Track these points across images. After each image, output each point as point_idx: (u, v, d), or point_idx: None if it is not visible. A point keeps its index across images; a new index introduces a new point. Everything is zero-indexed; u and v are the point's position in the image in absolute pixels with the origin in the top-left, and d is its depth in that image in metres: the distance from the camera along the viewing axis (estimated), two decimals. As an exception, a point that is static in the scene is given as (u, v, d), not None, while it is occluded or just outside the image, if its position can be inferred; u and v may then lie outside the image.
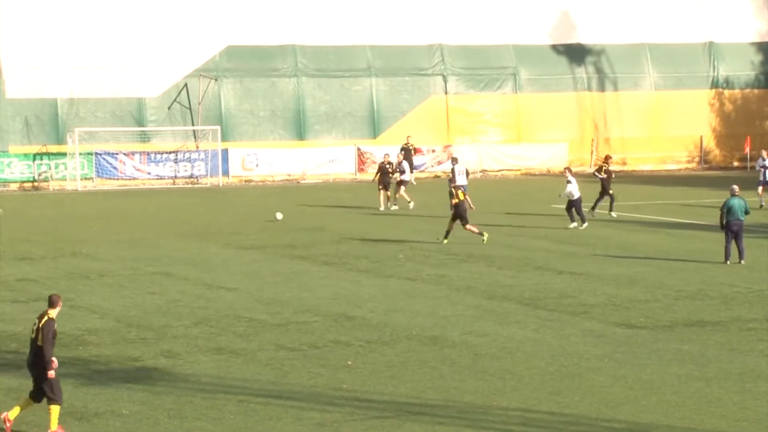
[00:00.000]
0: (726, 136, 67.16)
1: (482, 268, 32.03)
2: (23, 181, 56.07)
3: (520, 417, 18.19)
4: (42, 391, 17.15)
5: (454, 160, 45.27)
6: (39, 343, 17.07)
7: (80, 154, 56.09)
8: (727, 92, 67.50)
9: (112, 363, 21.62)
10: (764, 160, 47.74)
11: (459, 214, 36.07)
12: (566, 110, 64.49)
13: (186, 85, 59.26)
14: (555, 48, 65.26)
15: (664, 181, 59.54)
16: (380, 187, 46.66)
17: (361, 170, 59.73)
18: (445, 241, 35.97)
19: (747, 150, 64.79)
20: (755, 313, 26.05)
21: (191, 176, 58.28)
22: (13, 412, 17.24)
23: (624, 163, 65.38)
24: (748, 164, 64.33)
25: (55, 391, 17.09)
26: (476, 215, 43.32)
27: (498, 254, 34.45)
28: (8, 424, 17.15)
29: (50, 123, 57.29)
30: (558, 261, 33.25)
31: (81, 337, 23.66)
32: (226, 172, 58.43)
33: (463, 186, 43.35)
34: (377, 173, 47.56)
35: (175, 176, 58.09)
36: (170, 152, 58.17)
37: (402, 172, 47.42)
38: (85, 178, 56.44)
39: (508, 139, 63.92)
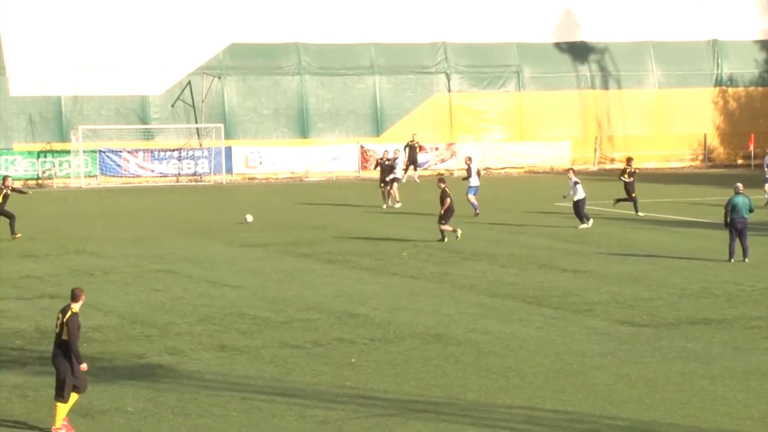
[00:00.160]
0: (730, 134, 67.10)
1: (485, 266, 32.03)
2: (27, 179, 56.04)
3: (524, 415, 18.20)
4: (63, 386, 17.16)
5: (469, 159, 44.90)
6: (64, 337, 17.08)
7: (84, 151, 56.15)
8: (731, 90, 67.44)
9: (116, 360, 21.65)
10: None
11: (447, 214, 35.97)
12: (569, 108, 64.46)
13: (189, 83, 59.27)
14: (558, 46, 65.23)
15: (667, 179, 59.50)
16: (381, 185, 46.65)
17: (364, 168, 59.72)
18: (460, 231, 36.10)
19: (751, 148, 64.74)
20: (759, 311, 26.04)
21: (195, 174, 58.30)
22: (58, 419, 17.18)
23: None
24: (753, 162, 64.29)
25: (77, 386, 17.07)
26: (481, 212, 43.31)
27: (501, 252, 34.45)
28: (65, 423, 17.15)
29: (54, 121, 57.32)
30: (561, 259, 33.25)
31: (85, 334, 23.60)
32: (229, 170, 58.44)
33: (476, 187, 43.18)
34: (375, 167, 47.58)
35: (179, 174, 58.10)
36: (174, 150, 58.20)
37: (393, 168, 47.34)
38: (89, 176, 56.47)
39: (512, 137, 63.89)
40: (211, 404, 18.65)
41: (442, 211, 36.20)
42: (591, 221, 39.72)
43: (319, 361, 21.47)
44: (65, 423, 17.23)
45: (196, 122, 59.25)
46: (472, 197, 42.97)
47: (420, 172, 58.38)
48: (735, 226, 32.54)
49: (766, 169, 48.04)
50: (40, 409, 18.42)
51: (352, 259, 33.34)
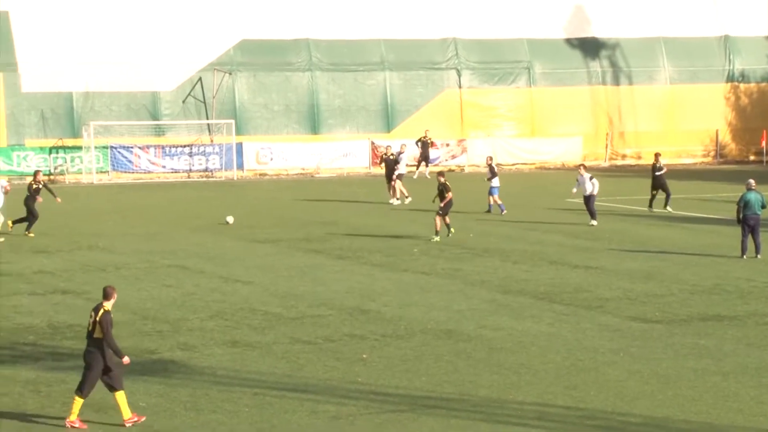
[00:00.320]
0: (742, 130, 66.96)
1: (497, 263, 32.01)
2: (39, 175, 56.17)
3: (536, 411, 18.19)
4: (114, 377, 17.21)
5: (490, 159, 44.51)
6: (96, 335, 17.15)
7: (96, 147, 56.23)
8: (742, 86, 67.30)
9: (128, 355, 21.62)
10: None
11: (446, 207, 35.87)
12: (581, 104, 64.39)
13: (200, 79, 59.32)
14: (569, 42, 65.16)
15: (679, 175, 59.33)
16: (389, 181, 46.64)
17: (375, 164, 59.69)
18: (453, 230, 35.94)
19: (763, 144, 64.63)
20: (771, 308, 25.99)
21: (206, 170, 58.35)
22: (125, 413, 17.28)
23: (639, 158, 65.27)
24: (765, 158, 64.16)
25: (87, 385, 17.13)
26: (493, 209, 43.27)
27: (513, 248, 34.43)
28: (133, 420, 17.18)
29: (66, 117, 57.42)
30: (573, 255, 33.22)
31: (97, 330, 23.69)
32: (240, 166, 58.49)
33: (496, 187, 42.77)
34: (380, 163, 47.57)
35: (190, 170, 58.16)
36: (185, 146, 58.25)
37: (397, 163, 47.31)
38: (101, 172, 56.56)
39: (523, 133, 63.84)
40: (223, 400, 18.67)
41: (442, 204, 36.03)
42: (594, 222, 39.27)
43: (330, 357, 21.49)
44: (78, 419, 17.26)
45: (207, 118, 59.31)
46: (496, 198, 42.53)
47: (431, 168, 58.32)
48: (747, 222, 32.48)
49: None
50: (53, 404, 18.47)
51: (363, 255, 33.34)
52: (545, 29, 64.47)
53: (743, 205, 32.46)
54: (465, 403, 18.60)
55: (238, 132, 58.76)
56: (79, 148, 56.63)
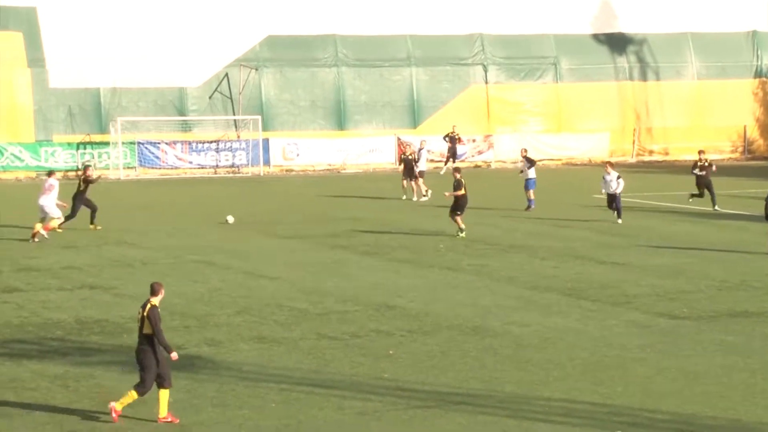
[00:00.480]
0: (770, 126, 66.68)
1: (524, 259, 31.96)
2: (67, 170, 56.37)
3: (563, 407, 18.15)
4: (162, 375, 17.29)
5: (525, 151, 44.20)
6: (145, 331, 17.21)
7: (123, 143, 56.43)
8: (771, 82, 66.99)
9: (155, 351, 21.70)
10: None
11: (461, 204, 35.62)
12: (607, 100, 64.19)
13: (227, 74, 59.43)
14: (596, 37, 64.96)
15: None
16: (404, 178, 46.58)
17: (397, 167, 59.67)
18: (463, 234, 35.40)
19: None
20: (800, 305, 25.86)
21: (232, 166, 58.47)
22: (162, 409, 17.31)
23: (666, 153, 65.06)
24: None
25: (146, 382, 17.23)
26: (517, 205, 43.22)
27: (539, 244, 34.36)
28: (169, 419, 17.26)
29: (93, 112, 57.63)
30: (600, 251, 33.13)
31: (125, 325, 23.81)
32: (267, 162, 58.57)
33: (533, 178, 42.40)
34: (400, 164, 47.55)
35: (217, 166, 58.29)
36: (211, 142, 58.39)
37: (417, 161, 47.25)
38: (128, 167, 56.75)
39: (549, 128, 63.70)
40: (250, 395, 18.70)
41: (448, 194, 35.42)
42: (620, 220, 38.89)
43: (356, 353, 21.50)
44: (116, 409, 17.27)
45: (234, 114, 59.43)
46: (531, 193, 42.13)
47: (457, 164, 58.21)
48: (775, 218, 32.30)
49: None
50: (81, 399, 18.55)
51: (389, 251, 33.34)
52: (572, 25, 64.29)
53: (771, 201, 32.28)
54: (491, 399, 18.58)
55: (265, 128, 58.85)
56: (107, 143, 56.83)
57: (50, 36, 57.37)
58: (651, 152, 65.11)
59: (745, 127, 66.17)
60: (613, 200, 39.16)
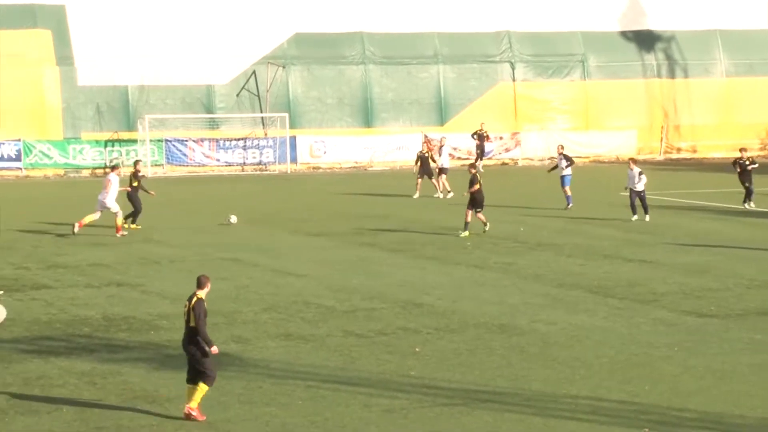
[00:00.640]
0: (799, 124, 66.33)
1: (550, 257, 31.90)
2: (95, 168, 56.71)
3: (590, 405, 18.10)
4: (197, 372, 17.32)
5: (561, 147, 43.72)
6: (191, 324, 17.24)
7: (150, 140, 56.63)
8: (800, 79, 66.64)
9: (182, 348, 21.75)
10: None
11: (478, 200, 35.41)
12: (635, 97, 64.00)
13: (254, 72, 59.57)
14: (624, 34, 64.76)
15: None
16: (419, 177, 46.50)
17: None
18: (466, 233, 35.08)
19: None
20: (829, 303, 25.70)
21: (260, 163, 58.60)
22: (193, 402, 17.33)
23: (694, 151, 64.79)
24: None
25: (208, 370, 17.23)
26: (544, 202, 43.15)
27: (566, 242, 34.28)
28: (193, 414, 17.28)
29: (121, 110, 57.87)
30: (627, 249, 33.02)
31: (152, 322, 23.89)
32: (294, 160, 58.67)
33: (568, 175, 41.98)
34: (417, 162, 47.53)
35: (244, 163, 58.43)
36: (239, 139, 58.54)
37: (432, 160, 47.18)
38: (156, 165, 56.94)
39: (577, 126, 63.55)
40: (277, 392, 18.73)
41: (468, 192, 35.17)
42: (636, 217, 38.59)
43: (383, 350, 21.50)
44: (197, 409, 17.31)
45: (261, 112, 59.55)
46: (567, 189, 41.78)
47: (484, 161, 58.21)
48: (804, 216, 32.10)
49: None
50: (108, 396, 18.62)
51: (416, 248, 33.34)
52: (600, 22, 64.11)
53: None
54: (518, 397, 18.55)
55: (292, 125, 58.94)
56: (134, 141, 57.05)
57: (79, 34, 57.63)
58: (679, 150, 64.86)
59: (773, 124, 65.86)
60: (635, 197, 38.62)
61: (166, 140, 57.13)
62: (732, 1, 66.07)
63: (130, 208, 37.23)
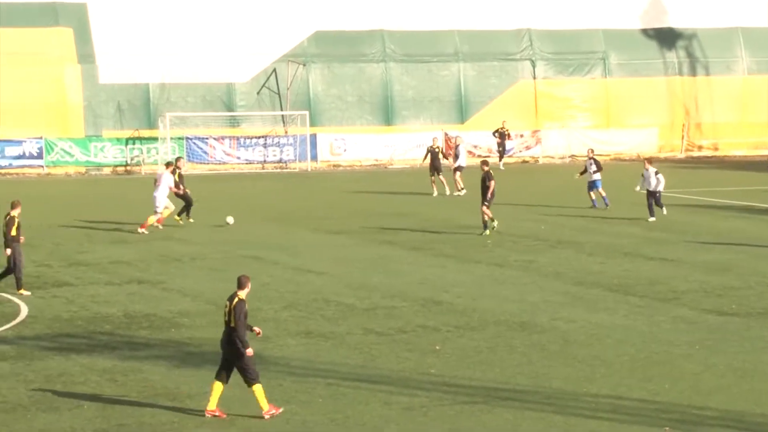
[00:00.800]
0: (821, 121, 65.98)
1: (571, 254, 31.84)
2: (116, 165, 56.87)
3: (610, 404, 18.07)
4: (230, 371, 17.31)
5: (591, 151, 43.25)
6: (232, 324, 17.24)
7: (171, 138, 56.74)
8: (822, 76, 66.29)
9: (203, 345, 21.86)
10: None
11: (491, 199, 35.10)
12: (656, 95, 63.79)
13: (275, 70, 59.62)
14: (645, 32, 64.56)
15: (756, 166, 58.60)
16: (432, 174, 46.45)
17: (448, 155, 59.60)
18: (488, 231, 34.93)
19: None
20: None
21: (280, 161, 58.65)
22: (212, 403, 17.36)
23: (716, 149, 64.56)
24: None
25: (250, 371, 17.25)
26: (565, 200, 43.06)
27: (587, 240, 34.22)
28: (217, 414, 17.33)
29: (142, 108, 58.00)
30: (648, 247, 32.94)
31: (173, 320, 23.96)
32: (314, 157, 58.71)
33: (598, 180, 41.31)
34: (426, 156, 47.53)
35: (264, 161, 58.49)
36: (259, 137, 58.60)
37: (457, 156, 47.12)
38: (176, 163, 56.96)
39: (598, 124, 63.39)
40: (297, 390, 18.76)
41: (490, 195, 34.92)
42: (653, 219, 38.28)
43: (403, 348, 21.51)
44: (272, 405, 17.34)
45: (282, 109, 59.60)
46: (601, 191, 41.19)
47: (505, 159, 58.13)
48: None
49: None
50: (129, 393, 18.68)
51: (436, 246, 33.32)
52: (621, 19, 63.92)
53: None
54: (538, 395, 18.54)
55: (312, 123, 58.97)
56: (155, 139, 57.18)
57: (100, 32, 57.78)
58: (700, 148, 64.64)
59: (796, 122, 65.53)
60: (651, 198, 38.18)
61: (187, 138, 57.22)
62: (754, -2, 65.83)
63: (182, 203, 37.33)
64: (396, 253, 32.28)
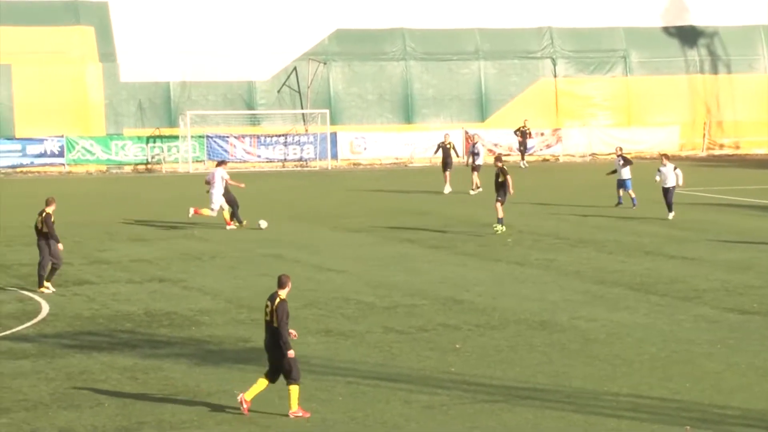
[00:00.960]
0: (844, 119, 65.66)
1: (591, 253, 31.78)
2: (137, 164, 57.02)
3: (631, 403, 18.02)
4: (278, 372, 17.34)
5: (620, 149, 43.03)
6: (274, 324, 17.24)
7: (192, 136, 56.85)
8: None
9: (223, 343, 21.91)
10: None
11: (503, 191, 34.92)
12: (678, 93, 63.59)
13: (295, 68, 59.67)
14: (667, 30, 64.37)
15: (778, 165, 58.39)
16: (444, 170, 46.38)
17: (466, 154, 59.54)
18: (499, 227, 34.74)
19: None
20: None
21: (300, 159, 58.71)
22: (250, 393, 17.41)
23: (737, 147, 64.31)
24: None
25: (294, 371, 17.25)
26: (585, 199, 42.97)
27: (608, 239, 34.14)
28: (245, 405, 17.37)
29: (163, 106, 58.13)
30: (669, 246, 32.85)
31: (193, 318, 24.01)
32: (334, 156, 58.74)
33: (628, 179, 40.99)
34: (437, 150, 47.50)
35: (285, 159, 58.56)
36: (280, 135, 58.66)
37: (476, 154, 47.04)
38: (197, 161, 57.15)
39: (619, 122, 63.24)
40: (317, 388, 18.77)
41: (511, 190, 34.83)
42: (672, 214, 37.99)
43: (423, 347, 21.50)
44: (300, 408, 17.34)
45: (302, 108, 59.65)
46: (630, 192, 40.88)
47: (526, 158, 58.04)
48: None
49: None
50: (150, 391, 18.73)
51: (456, 244, 33.30)
52: (642, 17, 63.76)
53: None
54: (559, 394, 18.50)
55: (333, 121, 59.00)
56: (176, 137, 57.30)
57: (121, 30, 57.94)
58: (721, 146, 64.41)
59: (818, 120, 65.23)
60: (667, 194, 37.99)
61: (208, 136, 57.33)
62: (776, -5, 65.55)
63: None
64: (416, 251, 32.27)
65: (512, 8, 62.32)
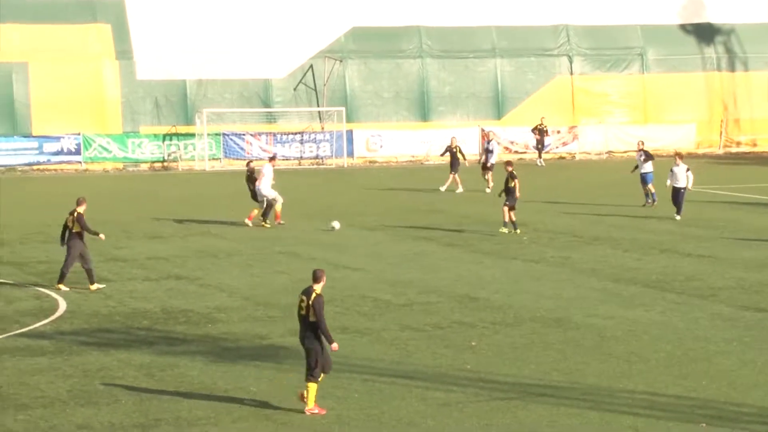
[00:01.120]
0: None
1: (607, 251, 31.76)
2: (153, 161, 57.15)
3: (646, 400, 18.03)
4: (323, 364, 17.39)
5: (641, 143, 42.92)
6: (311, 319, 17.31)
7: (208, 134, 56.94)
8: None
9: (240, 341, 21.97)
10: None
11: (513, 196, 34.84)
12: (695, 91, 63.47)
13: (311, 66, 59.73)
14: (683, 28, 64.25)
15: (795, 162, 58.26)
16: (452, 171, 46.33)
17: (483, 153, 59.50)
18: (518, 231, 34.59)
19: None
20: None
21: (317, 157, 58.77)
22: (311, 402, 17.40)
23: (754, 145, 64.15)
24: None
25: (316, 370, 17.26)
26: (602, 198, 42.92)
27: (623, 237, 34.11)
28: (317, 410, 17.38)
29: (179, 104, 58.25)
30: (685, 244, 32.80)
31: (210, 315, 24.08)
32: (350, 153, 58.79)
33: (650, 172, 40.80)
34: (444, 152, 47.49)
35: (301, 157, 58.63)
36: (296, 133, 58.73)
37: (490, 151, 47.01)
38: (213, 159, 57.28)
39: (635, 120, 63.15)
40: (333, 386, 18.80)
41: (518, 195, 34.78)
42: (679, 217, 37.83)
43: (439, 344, 21.53)
44: (316, 405, 17.39)
45: (318, 106, 59.70)
46: (650, 187, 40.70)
47: (543, 156, 58.00)
48: None
49: None
50: (166, 388, 18.79)
51: (472, 242, 33.31)
52: (659, 15, 63.64)
53: None
54: (574, 391, 18.51)
55: (349, 119, 59.04)
56: (192, 135, 57.40)
57: (138, 28, 58.07)
58: (738, 144, 64.26)
59: (835, 118, 65.04)
60: (677, 194, 37.76)
61: (224, 134, 57.43)
62: (793, -7, 65.36)
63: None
64: (432, 249, 32.30)
65: (529, 6, 62.27)
